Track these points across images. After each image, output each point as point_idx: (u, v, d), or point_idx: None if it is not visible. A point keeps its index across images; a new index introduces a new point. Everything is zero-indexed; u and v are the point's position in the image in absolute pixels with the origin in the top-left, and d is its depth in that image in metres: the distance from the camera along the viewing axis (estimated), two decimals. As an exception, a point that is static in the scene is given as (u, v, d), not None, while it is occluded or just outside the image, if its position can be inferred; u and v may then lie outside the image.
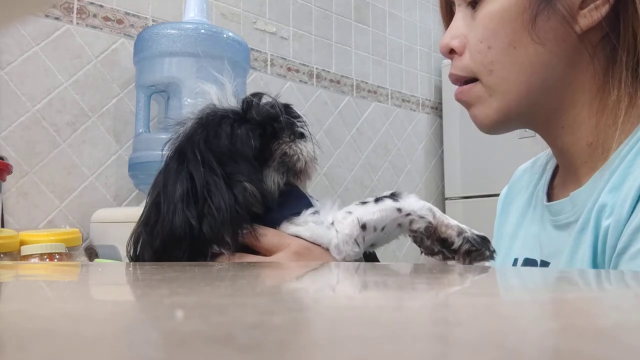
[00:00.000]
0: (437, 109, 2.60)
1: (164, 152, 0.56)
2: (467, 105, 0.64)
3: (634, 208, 0.50)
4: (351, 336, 0.17)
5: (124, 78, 1.57)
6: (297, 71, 2.05)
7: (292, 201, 0.56)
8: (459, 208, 2.41)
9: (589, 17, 0.56)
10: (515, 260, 0.68)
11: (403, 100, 2.45)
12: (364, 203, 0.56)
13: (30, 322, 0.19)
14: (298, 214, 0.55)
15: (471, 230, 0.56)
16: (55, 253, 1.11)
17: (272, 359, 0.14)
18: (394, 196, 0.56)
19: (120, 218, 1.30)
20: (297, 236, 0.54)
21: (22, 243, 1.10)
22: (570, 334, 0.18)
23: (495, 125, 0.62)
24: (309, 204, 0.56)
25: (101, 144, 1.52)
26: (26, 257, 1.08)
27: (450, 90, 2.49)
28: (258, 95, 0.57)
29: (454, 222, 0.56)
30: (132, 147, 1.46)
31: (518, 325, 0.20)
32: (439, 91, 2.61)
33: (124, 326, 0.19)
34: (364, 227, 0.54)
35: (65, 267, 0.69)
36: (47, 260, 1.09)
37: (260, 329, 0.17)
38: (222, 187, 0.51)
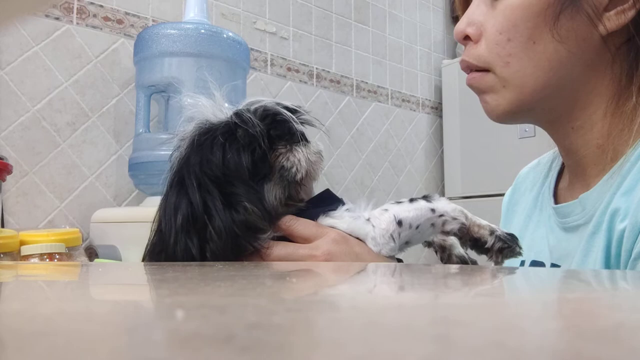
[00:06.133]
0: (437, 109, 2.60)
1: (163, 178, 0.56)
2: (479, 92, 0.63)
3: None
4: (351, 336, 0.17)
5: (124, 78, 1.57)
6: (297, 71, 2.05)
7: (327, 200, 0.58)
8: (459, 208, 2.41)
9: (614, 20, 0.55)
10: (522, 263, 0.68)
11: (403, 100, 2.45)
12: (398, 202, 0.57)
13: (30, 322, 0.19)
14: (334, 209, 0.56)
15: (500, 229, 0.58)
16: (55, 253, 1.11)
17: (272, 359, 0.14)
18: (426, 198, 0.58)
19: (120, 218, 1.30)
20: (332, 227, 0.55)
21: (22, 243, 1.10)
22: (571, 334, 0.18)
23: (505, 116, 0.62)
24: (343, 203, 0.58)
25: (101, 144, 1.52)
26: (26, 257, 1.08)
27: (450, 90, 2.51)
28: (239, 114, 0.54)
29: (484, 222, 0.58)
30: (132, 147, 1.46)
31: (519, 326, 0.20)
32: (439, 91, 2.61)
33: (124, 326, 0.19)
34: (400, 223, 0.55)
35: (65, 267, 0.69)
36: (47, 260, 1.09)
37: (260, 329, 0.17)
38: (221, 210, 0.51)
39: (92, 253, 1.33)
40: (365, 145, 2.26)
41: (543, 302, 0.26)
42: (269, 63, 1.96)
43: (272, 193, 0.54)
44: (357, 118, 2.24)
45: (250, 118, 0.54)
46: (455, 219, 0.56)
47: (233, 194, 0.52)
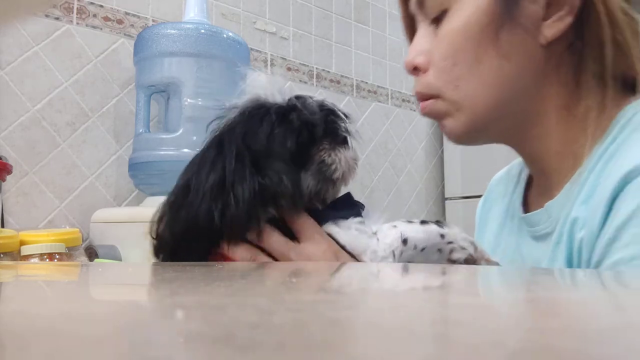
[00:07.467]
0: (437, 109, 2.59)
1: (206, 136, 0.55)
2: (436, 118, 0.63)
3: (605, 220, 0.50)
4: (351, 336, 0.17)
5: (124, 78, 1.57)
6: (297, 71, 2.05)
7: (344, 206, 0.57)
8: (459, 208, 2.41)
9: (553, 28, 0.56)
10: None
11: (403, 100, 2.45)
12: (410, 222, 0.57)
13: (30, 322, 0.19)
14: (346, 218, 0.56)
15: None
16: (55, 253, 1.11)
17: (272, 359, 0.14)
18: (439, 222, 0.57)
19: (120, 218, 1.30)
20: (333, 236, 0.55)
21: (22, 243, 1.10)
22: (569, 333, 0.18)
23: (463, 137, 0.62)
24: (358, 214, 0.57)
25: (101, 144, 1.52)
26: (26, 257, 1.08)
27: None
28: (302, 98, 0.55)
29: (493, 257, 0.58)
30: (132, 147, 1.46)
31: (519, 325, 0.20)
32: (439, 91, 2.61)
33: (124, 326, 0.19)
34: (405, 241, 0.54)
35: (65, 267, 0.69)
36: (47, 260, 1.09)
37: (260, 329, 0.17)
38: (247, 179, 0.51)
39: (92, 253, 1.33)
40: (365, 145, 2.26)
41: (543, 302, 0.26)
42: (269, 63, 1.96)
43: (305, 183, 0.54)
44: (357, 118, 2.24)
45: (312, 105, 0.54)
46: (463, 248, 0.55)
47: (269, 168, 0.52)
